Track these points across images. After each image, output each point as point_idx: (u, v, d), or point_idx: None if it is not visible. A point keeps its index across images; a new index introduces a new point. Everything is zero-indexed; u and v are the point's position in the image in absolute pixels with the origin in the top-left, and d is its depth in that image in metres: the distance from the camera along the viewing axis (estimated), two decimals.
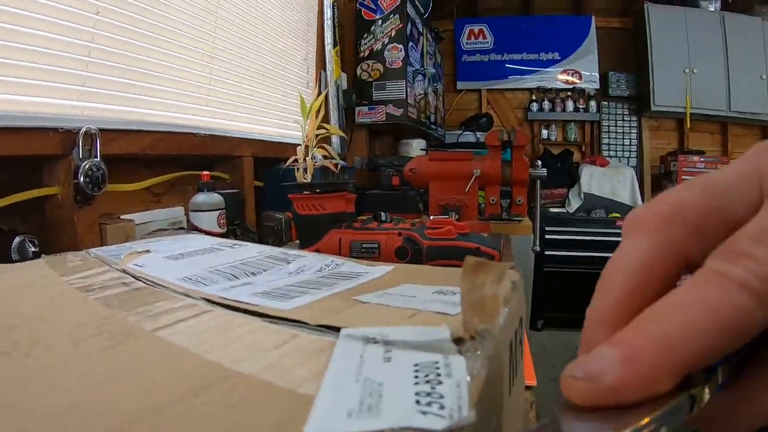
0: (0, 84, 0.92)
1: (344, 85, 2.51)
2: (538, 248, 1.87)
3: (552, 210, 4.24)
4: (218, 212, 1.21)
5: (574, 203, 4.20)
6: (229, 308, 0.32)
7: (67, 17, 1.03)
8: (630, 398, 0.18)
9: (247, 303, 0.32)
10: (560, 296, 3.70)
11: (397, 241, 1.05)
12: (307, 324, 0.28)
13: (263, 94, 1.88)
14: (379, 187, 2.24)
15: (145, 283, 0.39)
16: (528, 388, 0.65)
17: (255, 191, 1.74)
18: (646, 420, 0.17)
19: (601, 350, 0.19)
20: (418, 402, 0.19)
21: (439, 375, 0.21)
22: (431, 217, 1.67)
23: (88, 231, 1.07)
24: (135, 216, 1.27)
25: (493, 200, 1.65)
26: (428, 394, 0.19)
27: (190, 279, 0.40)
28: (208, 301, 0.34)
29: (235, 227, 1.32)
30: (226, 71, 1.64)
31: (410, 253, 1.02)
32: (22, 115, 0.95)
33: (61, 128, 1.01)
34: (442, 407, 0.18)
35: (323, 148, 1.54)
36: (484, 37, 4.65)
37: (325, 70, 2.32)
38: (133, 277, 0.41)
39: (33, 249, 0.92)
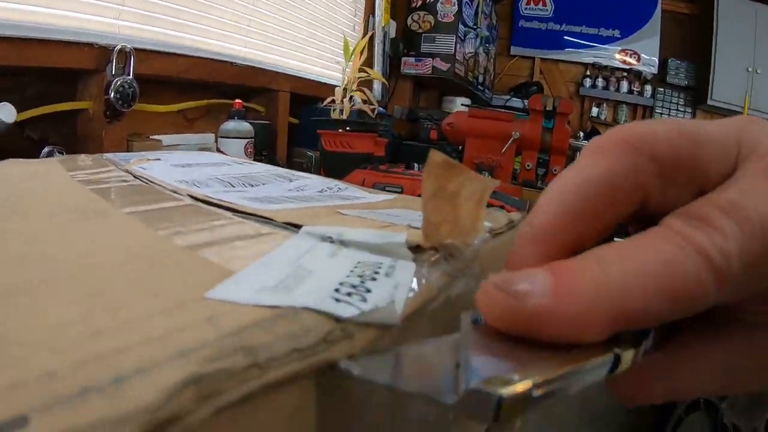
0: None
1: (392, 33, 2.45)
2: None
3: None
4: (246, 141, 1.20)
5: None
6: (212, 205, 0.31)
7: None
8: (550, 335, 0.16)
9: (230, 202, 0.31)
10: None
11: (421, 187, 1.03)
12: (274, 221, 0.26)
13: (307, 31, 1.84)
14: (416, 138, 2.20)
15: (142, 181, 0.40)
16: None
17: (289, 128, 1.72)
18: (560, 371, 0.15)
19: (534, 271, 0.16)
20: (337, 290, 0.17)
21: (377, 273, 0.19)
22: None
23: (115, 147, 1.08)
24: (164, 137, 1.27)
25: (528, 166, 1.60)
26: (354, 287, 0.18)
27: (186, 182, 0.40)
28: (194, 198, 0.33)
29: (263, 158, 1.31)
30: (271, 4, 1.61)
31: None
32: (59, 28, 0.95)
33: (97, 44, 1.01)
34: (363, 300, 0.17)
35: (362, 91, 1.51)
36: (544, 5, 4.47)
37: (373, 15, 2.26)
38: (133, 176, 0.42)
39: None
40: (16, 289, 0.16)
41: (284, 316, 0.16)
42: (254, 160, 1.24)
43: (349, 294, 0.17)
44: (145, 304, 0.16)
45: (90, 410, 0.10)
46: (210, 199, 0.32)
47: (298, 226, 0.25)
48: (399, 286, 0.18)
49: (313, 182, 0.47)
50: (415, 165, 1.90)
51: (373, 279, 0.18)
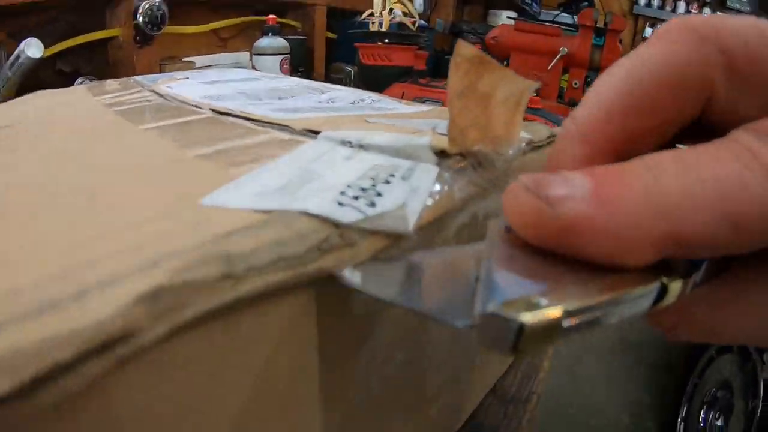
0: None
1: None
2: None
3: None
4: (281, 57, 1.16)
5: None
6: (233, 117, 0.29)
7: None
8: (585, 252, 0.13)
9: (251, 113, 0.29)
10: None
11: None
12: (293, 129, 0.24)
13: None
14: None
15: (166, 99, 0.38)
16: None
17: (327, 43, 1.66)
18: (597, 299, 0.12)
19: (572, 174, 0.13)
20: (343, 193, 0.15)
21: (392, 176, 0.16)
22: None
23: (148, 71, 1.05)
24: (198, 59, 1.24)
25: (576, 84, 1.54)
26: (363, 189, 0.15)
27: (211, 96, 0.38)
28: (216, 111, 0.31)
29: (299, 74, 1.27)
30: None
31: None
32: None
33: None
34: (371, 204, 0.14)
35: (402, 3, 1.45)
36: None
37: None
38: (158, 95, 0.40)
39: None
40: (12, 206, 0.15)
41: (276, 221, 0.13)
42: (291, 75, 1.21)
43: (356, 197, 0.15)
44: (135, 212, 0.14)
45: (41, 327, 0.09)
46: (231, 112, 0.30)
47: (318, 133, 0.23)
48: (416, 191, 0.16)
49: (346, 94, 0.44)
50: None
51: (387, 182, 0.16)
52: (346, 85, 1.47)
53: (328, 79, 1.57)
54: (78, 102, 0.40)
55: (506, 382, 0.35)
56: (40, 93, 0.46)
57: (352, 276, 0.13)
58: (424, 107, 0.39)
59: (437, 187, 0.17)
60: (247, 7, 1.41)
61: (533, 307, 0.11)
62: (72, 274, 0.10)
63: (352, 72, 1.38)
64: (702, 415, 1.65)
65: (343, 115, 0.31)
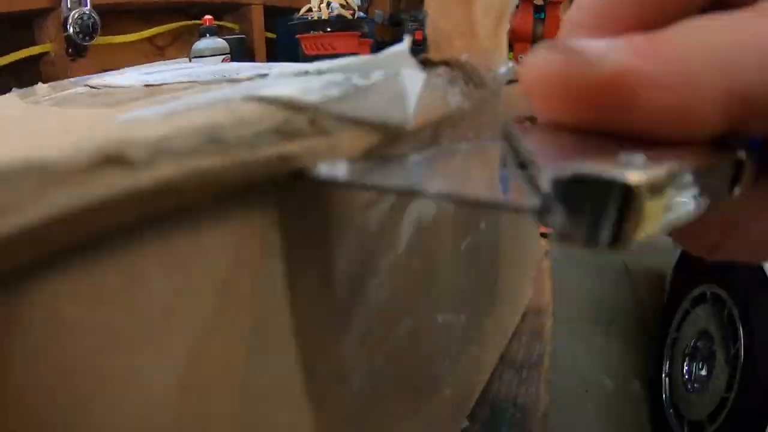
0: None
1: None
2: None
3: None
4: (222, 57, 1.13)
5: None
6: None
7: None
8: (638, 115, 0.10)
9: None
10: None
11: None
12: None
13: None
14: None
15: (99, 90, 0.35)
16: (543, 235, 0.57)
17: (267, 43, 1.64)
18: (668, 168, 0.08)
19: (600, 41, 0.10)
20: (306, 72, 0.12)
21: (369, 73, 0.13)
22: None
23: None
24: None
25: (521, 58, 1.54)
26: (338, 84, 0.12)
27: (150, 82, 0.35)
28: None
29: None
30: None
31: None
32: None
33: None
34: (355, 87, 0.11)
35: None
36: None
37: None
38: (91, 87, 0.37)
39: None
40: None
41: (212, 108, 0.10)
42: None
43: (333, 84, 0.12)
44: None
45: None
46: (166, 82, 0.28)
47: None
48: (406, 90, 0.13)
49: (292, 67, 0.42)
50: None
51: (366, 77, 0.13)
52: None
53: None
54: (7, 107, 0.38)
55: (512, 348, 0.33)
56: None
57: (343, 170, 0.10)
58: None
59: (429, 91, 0.14)
60: (180, 12, 1.38)
61: (634, 167, 0.08)
62: None
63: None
64: (686, 367, 1.68)
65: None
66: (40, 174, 0.08)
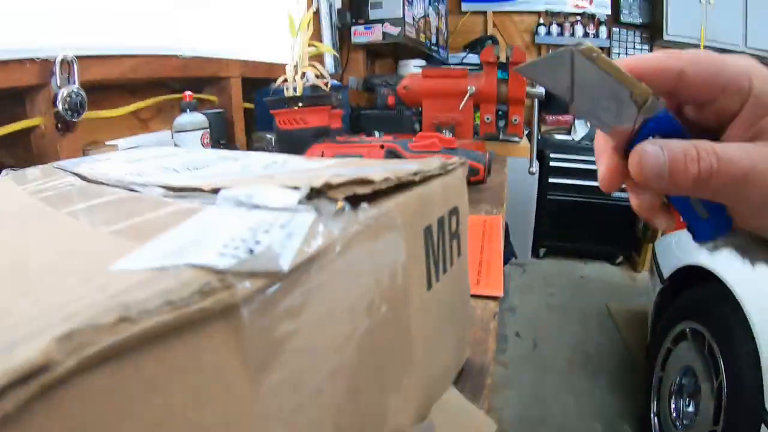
0: None
1: (338, 4, 2.43)
2: (534, 170, 1.82)
3: (557, 137, 4.17)
4: (201, 131, 1.19)
5: (580, 131, 4.12)
6: (148, 186, 0.32)
7: None
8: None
9: (166, 182, 0.32)
10: (563, 225, 3.69)
11: (380, 153, 1.04)
12: (202, 190, 0.27)
13: (250, 11, 1.82)
14: (374, 107, 2.20)
15: (88, 182, 0.40)
16: (493, 298, 0.64)
17: (245, 113, 1.70)
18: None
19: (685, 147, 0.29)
20: (225, 245, 0.18)
21: (271, 225, 0.20)
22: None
23: (72, 158, 1.06)
24: (120, 142, 1.26)
25: (488, 119, 1.61)
26: (243, 240, 0.19)
27: (134, 173, 0.40)
28: (130, 189, 0.34)
29: (221, 146, 1.30)
30: None
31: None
32: (1, 49, 0.94)
33: (38, 58, 1.00)
34: (249, 251, 0.18)
35: (313, 66, 1.51)
36: None
37: None
38: (80, 178, 0.42)
39: None
40: None
41: (167, 274, 0.17)
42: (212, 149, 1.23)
43: (236, 248, 0.18)
44: (57, 285, 0.18)
45: None
46: (148, 183, 0.33)
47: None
48: (292, 236, 0.19)
49: (259, 159, 0.47)
50: (376, 132, 1.90)
51: (266, 231, 0.19)
52: (267, 151, 1.50)
53: (250, 148, 1.60)
54: (5, 193, 0.42)
55: None
56: None
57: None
58: (331, 161, 0.43)
59: (320, 227, 0.20)
60: (163, 86, 1.44)
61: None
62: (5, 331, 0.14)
63: (273, 138, 1.42)
64: (673, 405, 1.70)
65: (250, 176, 0.34)
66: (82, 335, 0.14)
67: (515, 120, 1.59)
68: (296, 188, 0.23)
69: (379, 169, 0.28)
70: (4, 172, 0.91)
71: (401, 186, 0.28)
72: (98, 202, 0.31)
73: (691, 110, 0.32)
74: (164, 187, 0.31)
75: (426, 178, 0.30)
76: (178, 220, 0.23)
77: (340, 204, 0.22)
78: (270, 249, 0.18)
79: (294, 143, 1.11)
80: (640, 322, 2.26)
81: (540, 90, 1.62)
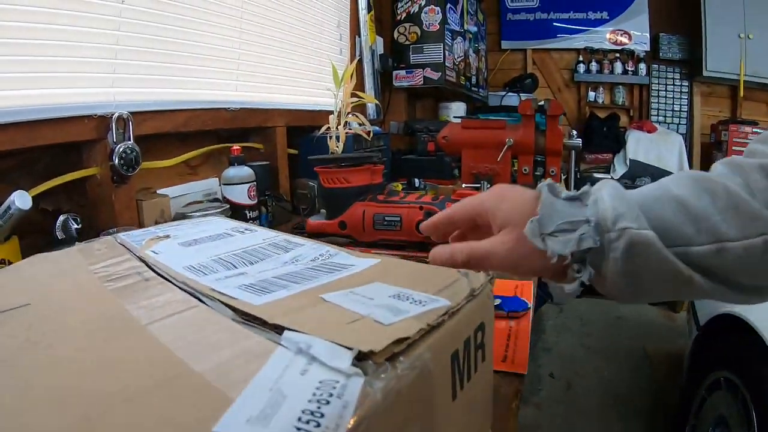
0: (42, 80, 0.98)
1: (380, 50, 2.49)
2: None
3: (596, 176, 4.15)
4: (248, 185, 1.24)
5: (620, 169, 4.09)
6: (215, 300, 0.37)
7: (94, 9, 1.08)
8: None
9: (229, 296, 0.37)
10: None
11: (419, 214, 1.07)
12: (264, 323, 0.32)
13: (295, 63, 1.89)
14: (415, 152, 2.24)
15: (155, 272, 0.46)
16: (518, 375, 0.66)
17: (289, 159, 1.77)
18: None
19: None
20: (299, 419, 0.23)
21: (331, 395, 0.24)
22: (463, 186, 1.68)
23: (126, 207, 1.13)
24: (171, 190, 1.32)
25: (525, 170, 1.64)
26: (312, 413, 0.23)
27: (194, 268, 0.46)
28: (198, 297, 0.39)
29: (266, 197, 1.36)
30: (256, 44, 1.65)
31: None
32: (59, 106, 1.00)
33: (95, 114, 1.06)
34: (317, 425, 0.22)
35: (356, 116, 1.56)
36: None
37: (359, 36, 2.31)
38: (147, 266, 0.48)
39: (76, 226, 0.98)
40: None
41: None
42: (258, 200, 1.29)
43: (308, 422, 0.22)
44: None
45: None
46: (214, 294, 0.38)
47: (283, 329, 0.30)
48: (347, 406, 0.24)
49: (306, 251, 0.52)
50: (416, 180, 1.94)
51: (327, 403, 0.24)
52: (311, 199, 1.55)
53: (293, 195, 1.65)
54: (75, 273, 0.47)
55: None
56: (36, 259, 0.54)
57: None
58: (375, 260, 0.47)
59: (367, 389, 0.25)
60: (212, 135, 1.51)
61: None
62: None
63: (315, 186, 1.47)
64: None
65: (302, 291, 0.38)
66: None
67: (552, 171, 1.61)
68: (349, 349, 0.27)
69: (416, 310, 0.33)
70: (61, 217, 0.98)
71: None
72: (172, 316, 0.35)
73: (475, 232, 0.55)
74: (231, 308, 0.35)
75: (456, 311, 0.34)
76: (252, 364, 0.27)
77: (380, 361, 0.26)
78: (333, 423, 0.23)
79: (336, 201, 1.15)
80: (676, 365, 2.22)
81: (577, 141, 1.64)
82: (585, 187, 0.46)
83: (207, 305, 0.37)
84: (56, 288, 0.44)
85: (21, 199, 0.82)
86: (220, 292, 0.38)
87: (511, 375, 0.65)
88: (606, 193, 0.44)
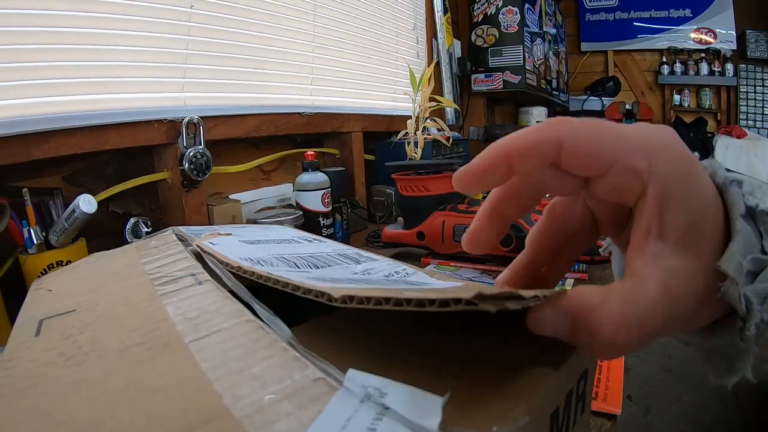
0: (111, 84, 0.97)
1: (458, 53, 2.42)
2: None
3: None
4: (323, 191, 1.19)
5: None
6: (272, 315, 0.31)
7: (163, 15, 1.07)
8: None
9: (291, 280, 0.30)
10: None
11: None
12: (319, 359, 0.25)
13: (371, 67, 1.83)
14: None
15: (210, 274, 0.39)
16: (610, 417, 0.56)
17: (366, 164, 1.72)
18: None
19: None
20: None
21: None
22: (547, 195, 1.57)
23: (196, 212, 1.10)
24: (243, 195, 1.29)
25: None
26: None
27: (251, 260, 0.40)
28: (253, 307, 0.32)
29: (341, 204, 1.30)
30: (330, 48, 1.61)
31: (514, 241, 0.95)
32: (131, 110, 1.00)
33: (166, 119, 1.05)
34: None
35: (435, 121, 1.49)
36: None
37: (436, 39, 2.24)
38: (202, 250, 0.44)
39: (146, 229, 0.97)
40: None
41: None
42: (333, 207, 1.23)
43: None
44: None
45: None
46: (271, 276, 0.31)
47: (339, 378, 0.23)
48: None
49: (380, 265, 0.45)
50: None
51: None
52: (388, 207, 1.49)
53: (369, 201, 1.60)
54: (127, 274, 0.43)
55: None
56: (93, 258, 0.51)
57: None
58: (455, 284, 0.39)
59: None
60: (286, 139, 1.48)
61: None
62: None
63: (393, 194, 1.40)
64: None
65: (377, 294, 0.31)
66: None
67: None
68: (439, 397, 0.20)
69: None
70: (131, 220, 0.96)
71: None
72: (220, 332, 0.29)
73: (593, 186, 0.26)
74: (288, 283, 0.29)
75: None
76: (305, 412, 0.21)
77: None
78: None
79: (414, 210, 1.08)
80: (764, 394, 2.04)
81: None
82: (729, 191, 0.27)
83: (261, 321, 0.30)
84: (106, 291, 0.40)
85: (86, 203, 0.81)
86: (279, 276, 0.31)
87: (603, 416, 0.56)
88: None
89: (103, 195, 0.98)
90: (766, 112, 4.03)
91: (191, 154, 1.05)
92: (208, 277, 0.39)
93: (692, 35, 4.13)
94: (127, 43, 1.00)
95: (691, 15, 4.12)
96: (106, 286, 0.41)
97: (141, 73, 1.03)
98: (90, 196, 0.82)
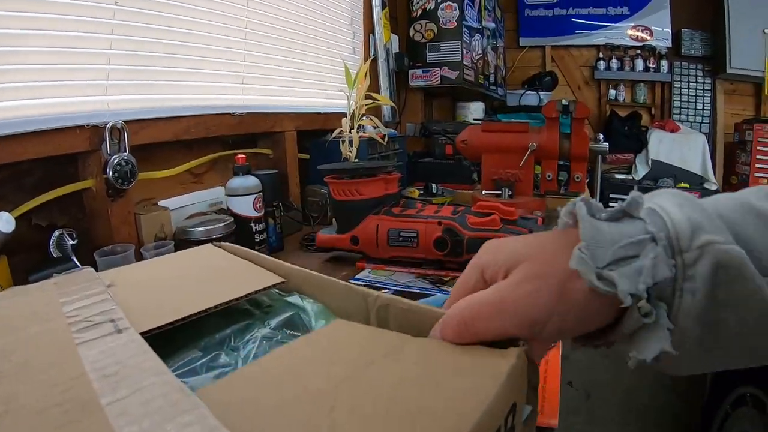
0: (26, 90, 0.92)
1: (396, 48, 2.40)
2: None
3: (617, 176, 4.05)
4: (254, 196, 1.16)
5: (641, 170, 4.00)
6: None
7: (84, 12, 1.00)
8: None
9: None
10: None
11: (437, 230, 0.98)
12: None
13: (305, 64, 1.79)
14: (431, 154, 2.15)
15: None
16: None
17: (300, 163, 1.68)
18: None
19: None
20: None
21: None
22: (483, 192, 1.59)
23: (123, 222, 1.06)
24: (174, 200, 1.25)
25: (549, 176, 1.54)
26: None
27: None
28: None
29: (274, 209, 1.27)
30: (263, 44, 1.56)
31: (450, 245, 0.94)
32: (50, 117, 0.94)
33: (88, 125, 0.99)
34: None
35: (370, 119, 1.48)
36: None
37: (373, 34, 2.22)
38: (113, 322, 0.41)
39: (71, 242, 0.93)
40: None
41: None
42: (265, 211, 1.21)
43: None
44: None
45: None
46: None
47: None
48: None
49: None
50: (433, 185, 1.85)
51: None
52: (321, 207, 1.47)
53: (304, 202, 1.57)
54: (47, 315, 0.41)
55: None
56: (11, 293, 0.49)
57: None
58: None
59: None
60: (217, 141, 1.43)
61: None
62: None
63: (327, 193, 1.38)
64: None
65: None
66: None
67: (577, 178, 1.52)
68: None
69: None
70: (56, 232, 0.91)
71: None
72: (138, 392, 0.28)
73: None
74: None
75: None
76: None
77: None
78: None
79: (348, 214, 1.06)
80: (700, 379, 2.13)
81: (604, 146, 1.55)
82: (630, 197, 0.32)
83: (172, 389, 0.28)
84: (23, 335, 0.38)
85: (2, 222, 0.76)
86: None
87: (540, 430, 0.56)
88: (668, 201, 0.31)
89: (23, 208, 0.93)
90: (698, 107, 4.20)
91: (115, 161, 1.01)
92: (128, 324, 0.38)
93: (629, 32, 4.25)
94: (44, 43, 0.93)
95: (629, 13, 4.24)
96: (27, 329, 0.39)
97: (60, 76, 0.97)
98: (7, 214, 0.77)
